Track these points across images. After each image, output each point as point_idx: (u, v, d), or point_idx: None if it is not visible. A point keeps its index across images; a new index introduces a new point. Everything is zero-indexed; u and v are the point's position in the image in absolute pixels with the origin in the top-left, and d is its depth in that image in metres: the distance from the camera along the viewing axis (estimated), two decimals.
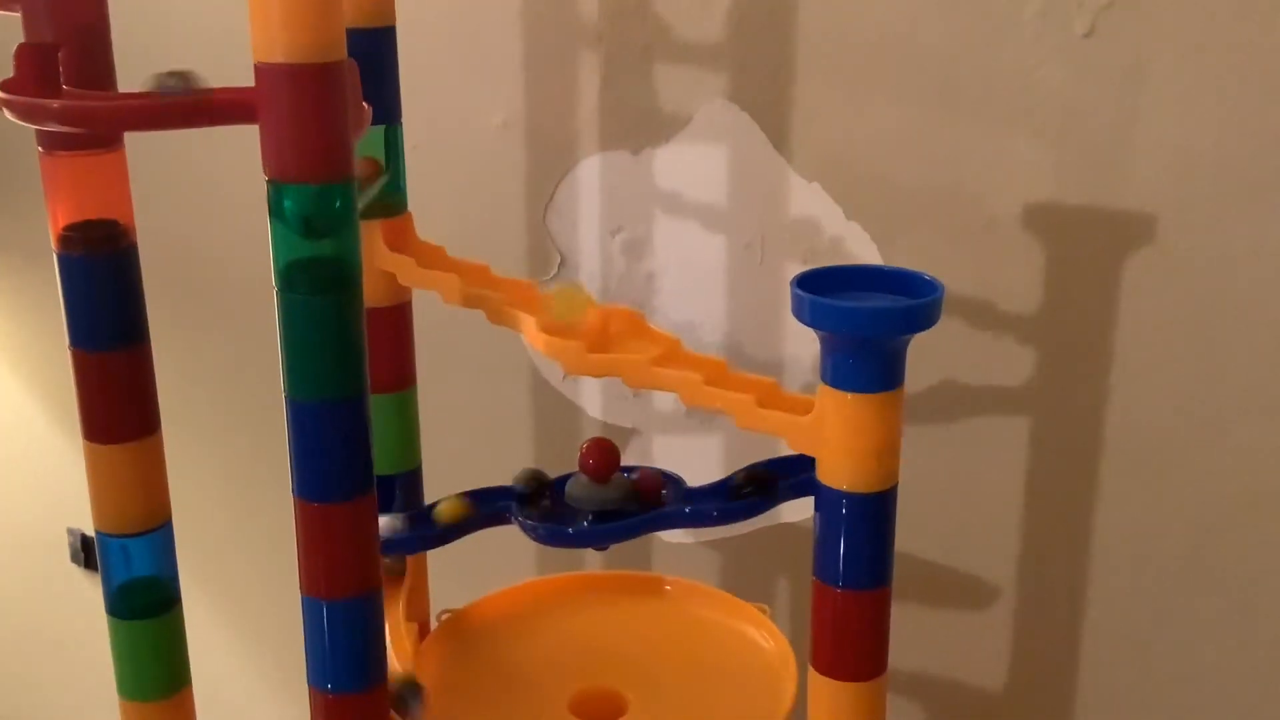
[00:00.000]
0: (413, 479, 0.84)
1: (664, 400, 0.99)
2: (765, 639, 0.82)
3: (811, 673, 0.69)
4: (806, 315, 0.63)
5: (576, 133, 0.97)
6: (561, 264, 0.99)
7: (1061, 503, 0.88)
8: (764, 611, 0.83)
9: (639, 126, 0.94)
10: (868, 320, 0.62)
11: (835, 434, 0.65)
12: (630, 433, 1.01)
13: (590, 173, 0.97)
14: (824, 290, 0.63)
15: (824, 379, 0.64)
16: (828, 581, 0.67)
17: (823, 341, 0.64)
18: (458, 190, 1.02)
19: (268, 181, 0.60)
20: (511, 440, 1.05)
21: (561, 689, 0.78)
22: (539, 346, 0.70)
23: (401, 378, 0.81)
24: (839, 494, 0.65)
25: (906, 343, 0.63)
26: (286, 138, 0.59)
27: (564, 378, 1.02)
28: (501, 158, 1.00)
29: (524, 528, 0.73)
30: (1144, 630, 0.88)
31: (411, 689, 0.73)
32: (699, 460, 0.97)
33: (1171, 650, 0.87)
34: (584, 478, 0.74)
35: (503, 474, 1.04)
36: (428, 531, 0.74)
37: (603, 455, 0.74)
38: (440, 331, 0.84)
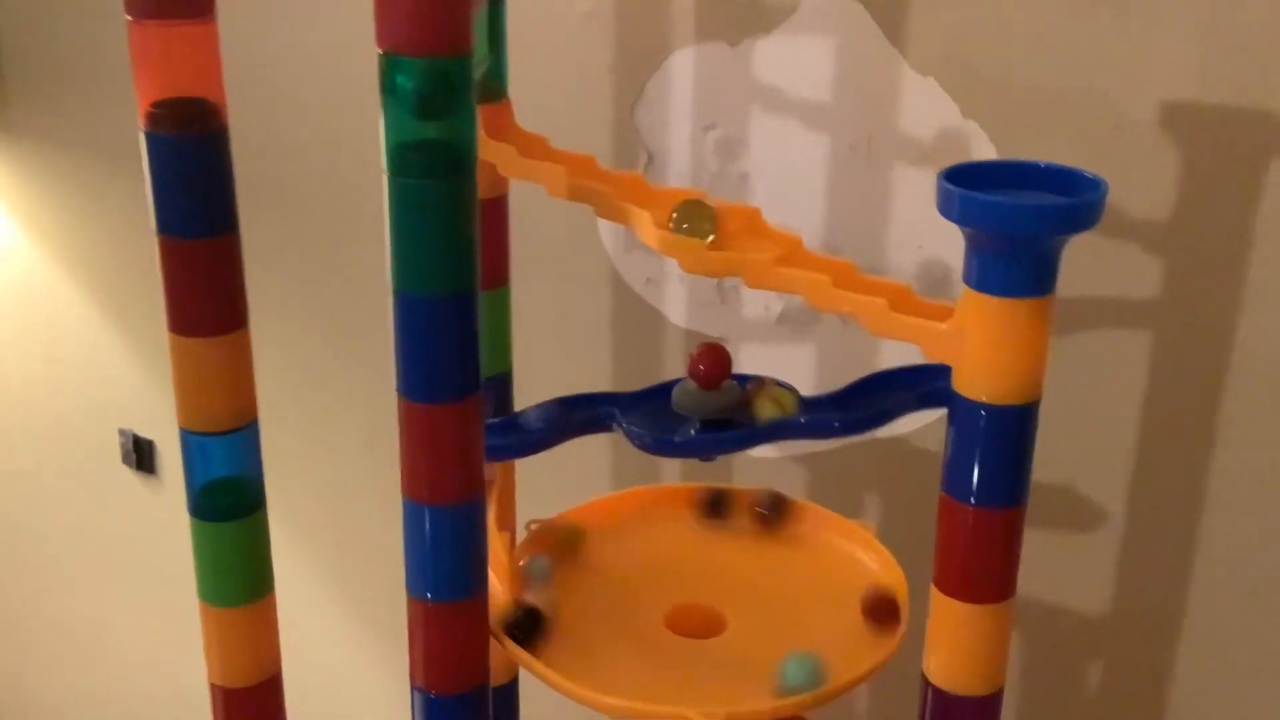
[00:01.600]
0: (504, 383, 0.80)
1: (753, 306, 0.94)
2: (871, 559, 0.78)
3: (935, 594, 0.66)
4: (955, 211, 0.58)
5: (670, 22, 0.91)
6: (649, 162, 0.94)
7: (1181, 425, 0.84)
8: (867, 530, 0.79)
9: (738, 16, 0.88)
10: (1026, 217, 0.57)
11: (977, 341, 0.60)
12: (717, 342, 0.97)
13: (684, 66, 0.91)
14: (971, 186, 0.59)
15: (968, 282, 0.60)
16: (959, 498, 0.63)
17: (971, 240, 0.59)
18: (537, 82, 0.97)
19: (381, 55, 0.55)
20: (591, 348, 1.01)
21: (656, 604, 0.75)
22: (653, 244, 0.66)
23: (497, 275, 0.77)
24: (977, 406, 0.61)
25: (1063, 244, 0.59)
26: (404, 4, 0.54)
27: (646, 282, 0.98)
28: (586, 49, 0.95)
29: (629, 435, 0.69)
30: (1257, 570, 0.84)
31: (532, 615, 0.70)
32: (790, 371, 0.92)
33: None
34: (692, 384, 0.70)
35: (583, 382, 1.01)
36: (529, 436, 0.70)
37: (714, 360, 0.70)
38: (515, 232, 0.80)
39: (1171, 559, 0.87)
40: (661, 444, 0.69)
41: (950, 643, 0.66)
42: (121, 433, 1.41)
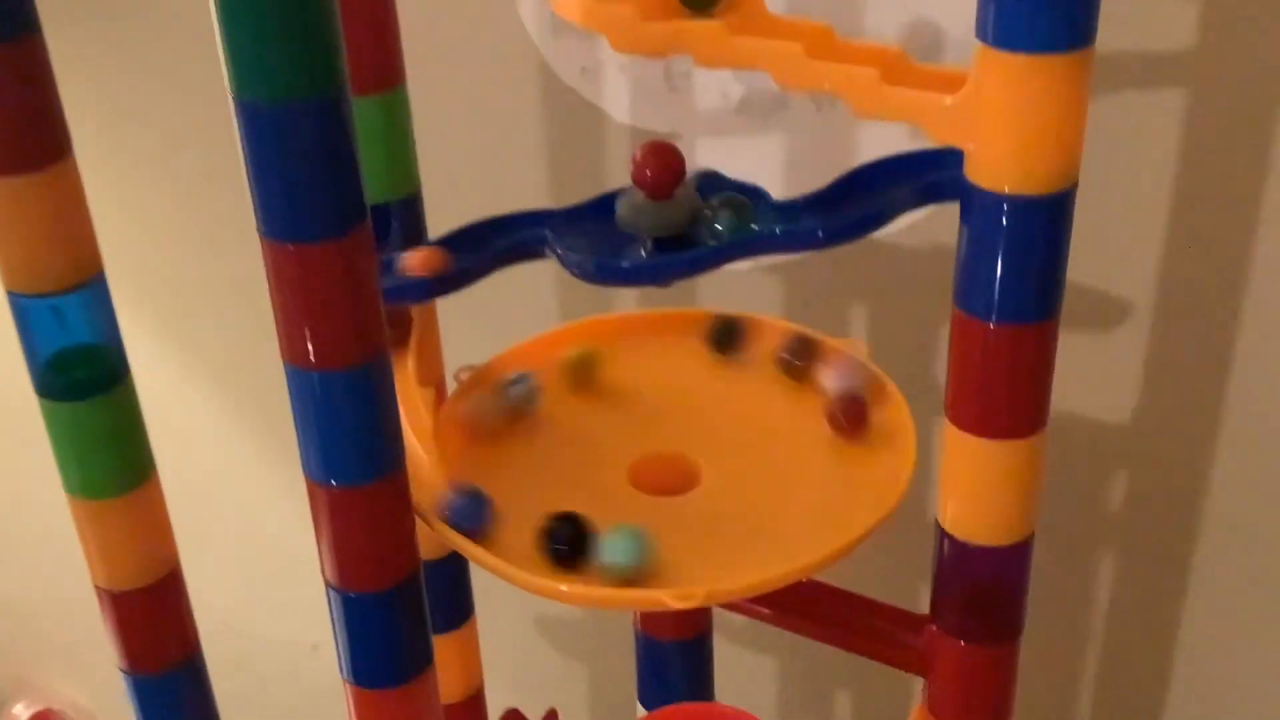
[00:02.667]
0: (412, 207, 0.66)
1: (708, 94, 0.80)
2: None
3: (949, 429, 0.54)
4: None
5: None
6: None
7: (1219, 201, 0.71)
8: (859, 350, 0.67)
9: None
10: None
11: (998, 115, 0.47)
12: (666, 139, 0.83)
13: None
14: None
15: (984, 37, 0.46)
16: (975, 313, 0.51)
17: None
18: None
19: None
20: (516, 156, 0.87)
21: (618, 457, 0.62)
22: (576, 18, 0.52)
23: (386, 72, 0.62)
24: (998, 199, 0.49)
25: None
26: None
27: (580, 72, 0.83)
28: None
29: (564, 262, 0.56)
30: None
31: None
32: (757, 170, 0.79)
33: None
34: (639, 194, 0.57)
35: (509, 199, 0.87)
36: (444, 273, 0.57)
37: (663, 162, 0.56)
38: (409, 15, 0.64)
39: (1204, 356, 0.76)
40: (605, 270, 0.56)
41: (969, 486, 0.55)
42: None
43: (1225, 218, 0.72)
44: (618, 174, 0.85)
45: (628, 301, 0.88)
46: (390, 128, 0.64)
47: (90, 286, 0.57)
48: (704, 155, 0.81)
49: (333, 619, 0.56)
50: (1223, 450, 0.78)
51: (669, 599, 0.51)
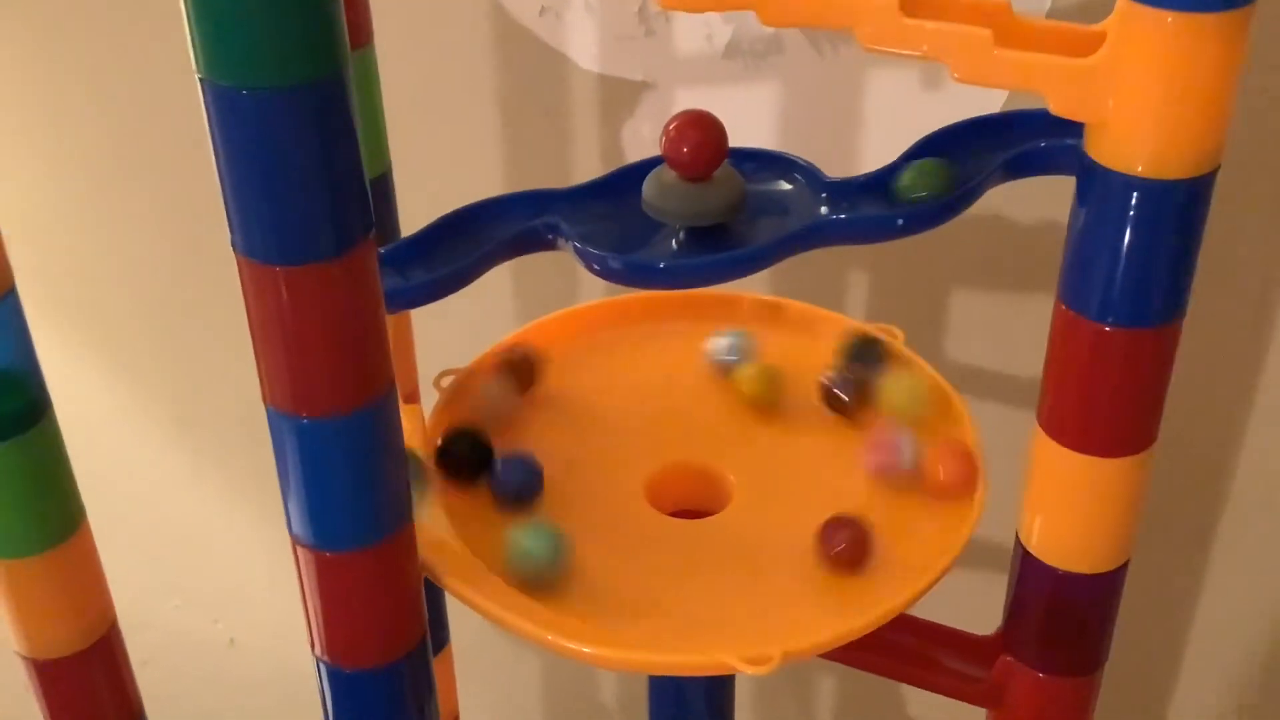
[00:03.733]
0: (382, 189, 0.56)
1: (690, 38, 0.70)
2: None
3: (1043, 441, 0.47)
4: None
5: None
6: None
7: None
8: (895, 338, 0.59)
9: None
10: None
11: (1137, 84, 0.39)
12: (640, 88, 0.73)
13: None
14: None
15: None
16: (1085, 313, 0.44)
17: None
18: None
19: None
20: (469, 113, 0.76)
21: (632, 470, 0.54)
22: None
23: (357, 29, 0.51)
24: (1128, 181, 0.41)
25: None
26: None
27: (540, 12, 0.72)
28: None
29: (583, 257, 0.47)
30: None
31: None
32: (747, 125, 0.70)
33: None
34: (671, 174, 0.48)
35: (465, 163, 0.77)
36: (437, 272, 0.47)
37: (705, 136, 0.47)
38: None
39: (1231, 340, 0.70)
40: (637, 270, 0.47)
41: (1064, 506, 0.48)
42: None
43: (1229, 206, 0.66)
44: (584, 132, 0.75)
45: (594, 291, 0.78)
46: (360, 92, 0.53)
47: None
48: (686, 106, 0.72)
49: (324, 698, 0.47)
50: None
51: (740, 663, 0.43)
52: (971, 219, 0.69)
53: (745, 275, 0.46)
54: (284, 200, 0.36)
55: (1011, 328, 0.72)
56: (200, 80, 0.35)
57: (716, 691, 0.58)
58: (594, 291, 0.77)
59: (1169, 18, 0.38)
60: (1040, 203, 0.68)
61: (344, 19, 0.35)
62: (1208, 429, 0.74)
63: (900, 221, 0.45)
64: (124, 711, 0.55)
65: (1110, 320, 0.43)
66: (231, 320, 0.89)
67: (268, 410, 0.40)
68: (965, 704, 0.55)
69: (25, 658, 0.52)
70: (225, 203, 0.37)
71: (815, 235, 0.46)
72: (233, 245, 0.37)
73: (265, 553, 1.04)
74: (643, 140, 0.74)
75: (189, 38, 0.34)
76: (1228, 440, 0.74)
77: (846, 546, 0.47)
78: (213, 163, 0.36)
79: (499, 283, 0.78)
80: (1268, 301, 0.69)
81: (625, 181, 0.50)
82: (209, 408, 0.96)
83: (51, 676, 0.53)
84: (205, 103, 0.35)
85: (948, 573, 0.48)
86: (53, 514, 0.50)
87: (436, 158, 0.76)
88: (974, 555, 0.66)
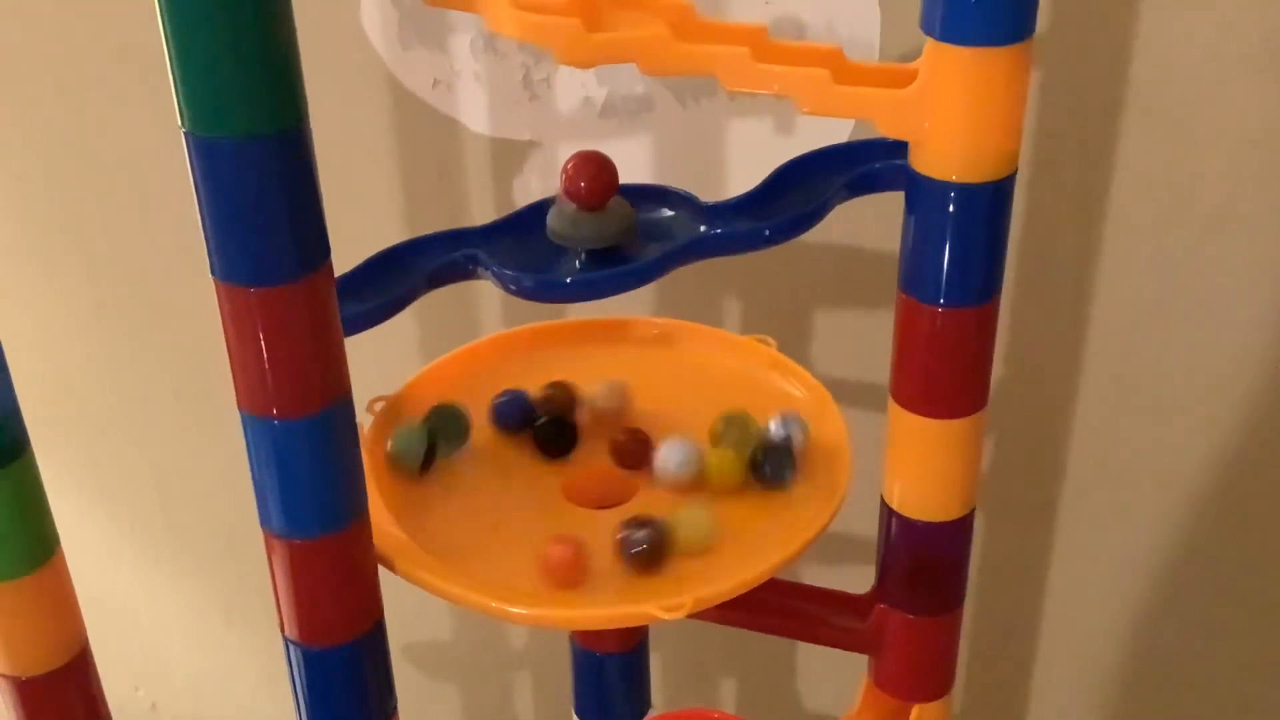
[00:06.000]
0: None
1: (569, 99, 0.79)
2: (789, 381, 0.66)
3: (895, 411, 0.56)
4: None
5: None
6: None
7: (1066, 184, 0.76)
8: (768, 344, 0.68)
9: None
10: None
11: (946, 107, 0.49)
12: (528, 147, 0.81)
13: None
14: None
15: (930, 32, 0.48)
16: (923, 299, 0.53)
17: None
18: None
19: None
20: (372, 176, 0.84)
21: (551, 474, 0.61)
22: (513, 32, 0.50)
23: None
24: (945, 187, 0.50)
25: None
26: None
27: (434, 84, 0.80)
28: None
29: (499, 279, 0.55)
30: None
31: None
32: (625, 173, 0.78)
33: None
34: (571, 206, 0.56)
35: (372, 219, 0.84)
36: (376, 301, 0.55)
37: (597, 173, 0.56)
38: None
39: (1059, 322, 0.80)
40: (547, 286, 0.55)
41: (916, 465, 0.57)
42: None
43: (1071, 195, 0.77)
44: (476, 186, 0.83)
45: (493, 321, 0.86)
46: None
47: None
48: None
49: (293, 675, 0.53)
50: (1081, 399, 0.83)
51: (658, 611, 0.51)
52: (823, 246, 0.79)
53: (640, 286, 0.54)
54: (256, 231, 0.43)
55: (865, 332, 0.82)
56: (185, 134, 0.42)
57: (634, 667, 0.66)
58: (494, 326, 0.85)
59: (967, 52, 0.47)
60: (878, 229, 0.78)
61: (302, 82, 0.43)
62: (1041, 412, 0.84)
63: (767, 233, 0.54)
64: None
65: (942, 302, 0.52)
66: (142, 392, 0.95)
67: (242, 415, 0.47)
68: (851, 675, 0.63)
69: (6, 676, 0.57)
70: (205, 235, 0.43)
71: (697, 248, 0.55)
72: (211, 271, 0.44)
73: (181, 617, 1.08)
74: (532, 193, 0.82)
75: (175, 98, 0.41)
76: (1060, 421, 0.84)
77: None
78: (194, 202, 0.43)
79: (407, 320, 0.85)
80: (1082, 286, 0.79)
81: (528, 218, 0.58)
82: (122, 475, 1.00)
83: (30, 694, 0.58)
84: (188, 152, 0.42)
85: (826, 529, 0.56)
86: (32, 541, 0.55)
87: (342, 216, 0.83)
88: (848, 549, 0.75)
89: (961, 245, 0.51)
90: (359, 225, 0.82)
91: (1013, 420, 0.84)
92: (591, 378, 0.66)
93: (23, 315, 0.95)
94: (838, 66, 0.50)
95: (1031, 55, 0.48)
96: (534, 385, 0.65)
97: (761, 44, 0.51)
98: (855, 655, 0.63)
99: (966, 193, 0.50)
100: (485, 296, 0.86)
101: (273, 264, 0.44)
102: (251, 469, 0.48)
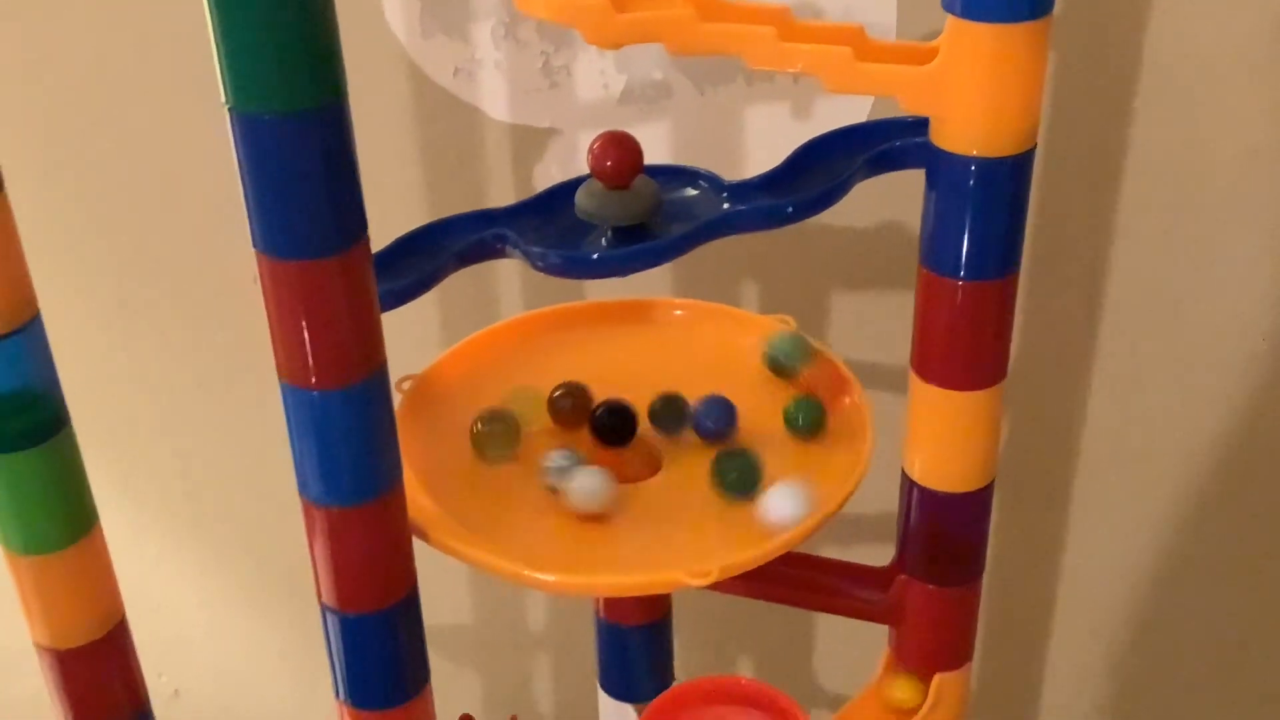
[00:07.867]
0: None
1: (589, 87, 0.81)
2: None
3: (916, 383, 0.57)
4: None
5: None
6: None
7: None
8: (787, 324, 0.69)
9: None
10: None
11: (967, 83, 0.50)
12: (548, 134, 0.83)
13: None
14: None
15: (952, 9, 0.49)
16: (944, 273, 0.54)
17: None
18: None
19: None
20: (394, 161, 0.85)
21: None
22: (541, 13, 0.51)
23: None
24: (967, 162, 0.51)
25: None
26: None
27: (454, 73, 0.82)
28: None
29: (529, 256, 0.56)
30: None
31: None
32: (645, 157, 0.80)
33: None
34: (598, 184, 0.57)
35: (395, 202, 0.85)
36: (410, 278, 0.56)
37: (623, 152, 0.57)
38: None
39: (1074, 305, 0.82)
40: (574, 262, 0.56)
41: (938, 437, 0.58)
42: None
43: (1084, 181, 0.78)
44: (497, 173, 0.84)
45: (512, 303, 0.87)
46: None
47: (26, 330, 0.53)
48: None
49: (329, 641, 0.54)
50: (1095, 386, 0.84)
51: (686, 577, 0.52)
52: (840, 229, 0.80)
53: (667, 261, 0.56)
54: (297, 205, 0.44)
55: (880, 315, 0.83)
56: (229, 109, 0.43)
57: (658, 639, 0.67)
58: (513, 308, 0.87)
59: (988, 29, 0.48)
60: (894, 211, 0.79)
61: (342, 59, 0.44)
62: (1055, 392, 0.86)
63: (790, 209, 0.55)
64: (133, 698, 0.62)
65: (963, 276, 0.54)
66: (166, 382, 0.96)
67: (282, 386, 0.48)
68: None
69: (46, 648, 0.59)
70: (248, 210, 0.45)
71: (722, 225, 0.56)
72: (253, 245, 0.45)
73: (204, 604, 1.09)
74: (552, 179, 0.83)
75: (219, 75, 0.42)
76: (1074, 401, 0.85)
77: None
78: (238, 179, 0.44)
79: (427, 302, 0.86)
80: (1095, 266, 0.81)
81: (554, 199, 0.59)
82: (147, 466, 1.02)
83: (69, 665, 0.59)
84: (232, 128, 0.43)
85: (850, 499, 0.57)
86: (71, 514, 0.57)
87: (364, 203, 0.84)
88: (867, 528, 0.76)
89: (983, 219, 0.52)
90: (381, 212, 0.84)
91: (1026, 400, 0.86)
92: (613, 359, 0.67)
93: (48, 310, 0.96)
94: (860, 45, 0.51)
95: (1050, 31, 0.49)
96: (556, 367, 0.66)
97: (786, 23, 0.52)
98: (870, 635, 0.65)
99: (987, 167, 0.51)
100: (504, 280, 0.87)
101: (314, 237, 0.45)
102: (290, 438, 0.49)
